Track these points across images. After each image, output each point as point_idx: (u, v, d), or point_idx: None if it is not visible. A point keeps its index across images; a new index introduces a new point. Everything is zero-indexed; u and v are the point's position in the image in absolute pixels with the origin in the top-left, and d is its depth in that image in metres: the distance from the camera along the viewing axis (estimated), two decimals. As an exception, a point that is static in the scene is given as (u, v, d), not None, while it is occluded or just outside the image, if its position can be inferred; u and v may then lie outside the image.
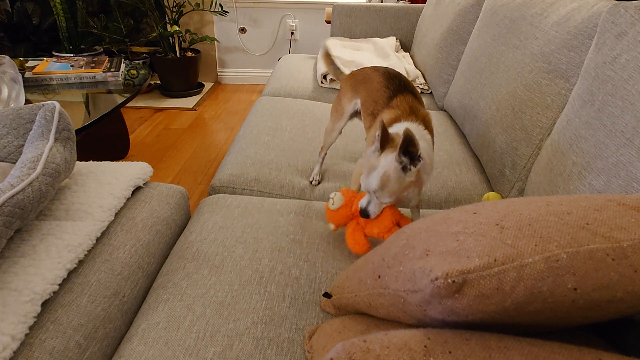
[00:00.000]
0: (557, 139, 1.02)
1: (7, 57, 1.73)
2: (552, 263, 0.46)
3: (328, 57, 1.51)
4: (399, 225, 0.96)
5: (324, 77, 2.13)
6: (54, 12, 3.12)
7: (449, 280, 0.47)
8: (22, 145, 1.01)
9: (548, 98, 1.13)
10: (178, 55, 3.41)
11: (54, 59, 2.28)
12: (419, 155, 0.86)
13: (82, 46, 3.33)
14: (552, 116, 1.11)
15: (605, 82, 0.88)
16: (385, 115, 1.04)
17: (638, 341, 0.63)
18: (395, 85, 1.08)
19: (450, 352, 0.46)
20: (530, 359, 0.45)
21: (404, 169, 0.88)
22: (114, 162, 1.20)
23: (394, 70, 1.15)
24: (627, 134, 0.79)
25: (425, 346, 0.48)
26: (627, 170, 0.77)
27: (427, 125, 1.02)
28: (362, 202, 0.93)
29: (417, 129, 0.98)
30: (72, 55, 3.11)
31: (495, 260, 0.47)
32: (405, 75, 2.09)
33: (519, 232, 0.50)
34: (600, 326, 0.65)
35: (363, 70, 1.23)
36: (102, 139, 2.44)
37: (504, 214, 0.53)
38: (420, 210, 1.24)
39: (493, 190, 1.32)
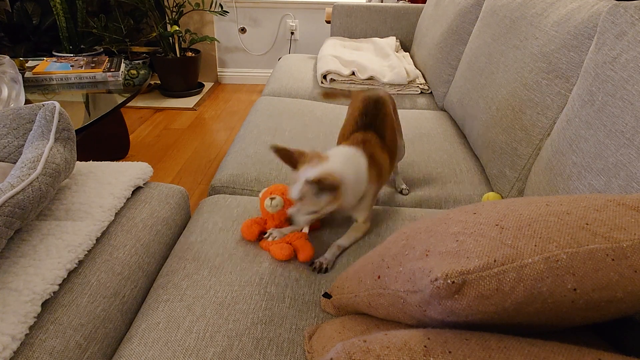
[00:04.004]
0: (557, 139, 1.02)
1: (7, 57, 1.73)
2: (551, 263, 0.46)
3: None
4: (292, 247, 1.01)
5: (324, 77, 2.13)
6: (54, 12, 3.12)
7: (449, 281, 0.47)
8: (22, 145, 1.01)
9: (548, 98, 1.13)
10: (178, 55, 3.41)
11: (54, 59, 2.28)
12: (333, 186, 0.92)
13: (82, 46, 3.33)
14: (552, 116, 1.11)
15: (605, 82, 0.88)
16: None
17: (638, 341, 0.63)
18: (364, 122, 1.12)
19: (450, 352, 0.46)
20: (530, 359, 0.45)
21: (317, 194, 0.93)
22: (114, 162, 1.20)
23: (376, 99, 1.16)
24: (627, 134, 0.79)
25: (425, 346, 0.48)
26: (627, 170, 0.77)
27: (369, 149, 1.06)
28: (291, 210, 0.97)
29: (352, 152, 1.04)
30: (72, 55, 3.11)
31: (495, 261, 0.47)
32: (405, 74, 2.09)
33: (519, 232, 0.50)
34: (600, 326, 0.65)
35: (360, 93, 1.25)
36: (102, 139, 2.44)
37: (503, 214, 0.53)
38: (420, 210, 1.24)
39: (493, 190, 1.32)
